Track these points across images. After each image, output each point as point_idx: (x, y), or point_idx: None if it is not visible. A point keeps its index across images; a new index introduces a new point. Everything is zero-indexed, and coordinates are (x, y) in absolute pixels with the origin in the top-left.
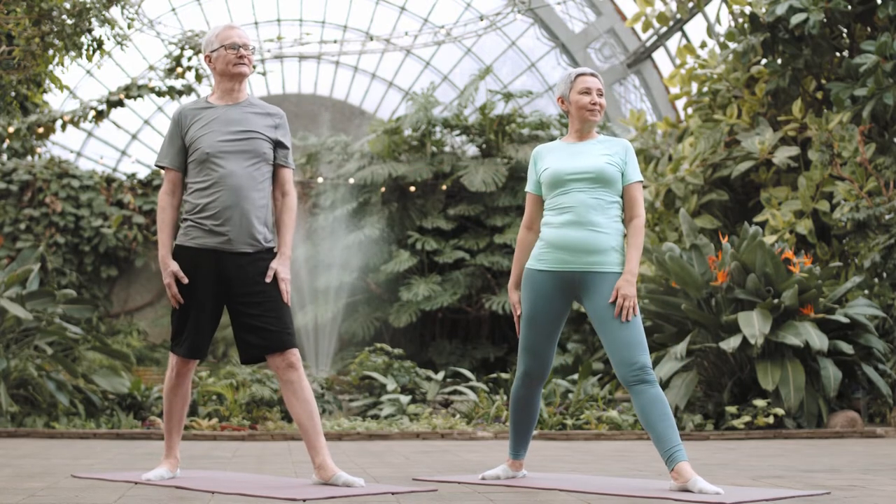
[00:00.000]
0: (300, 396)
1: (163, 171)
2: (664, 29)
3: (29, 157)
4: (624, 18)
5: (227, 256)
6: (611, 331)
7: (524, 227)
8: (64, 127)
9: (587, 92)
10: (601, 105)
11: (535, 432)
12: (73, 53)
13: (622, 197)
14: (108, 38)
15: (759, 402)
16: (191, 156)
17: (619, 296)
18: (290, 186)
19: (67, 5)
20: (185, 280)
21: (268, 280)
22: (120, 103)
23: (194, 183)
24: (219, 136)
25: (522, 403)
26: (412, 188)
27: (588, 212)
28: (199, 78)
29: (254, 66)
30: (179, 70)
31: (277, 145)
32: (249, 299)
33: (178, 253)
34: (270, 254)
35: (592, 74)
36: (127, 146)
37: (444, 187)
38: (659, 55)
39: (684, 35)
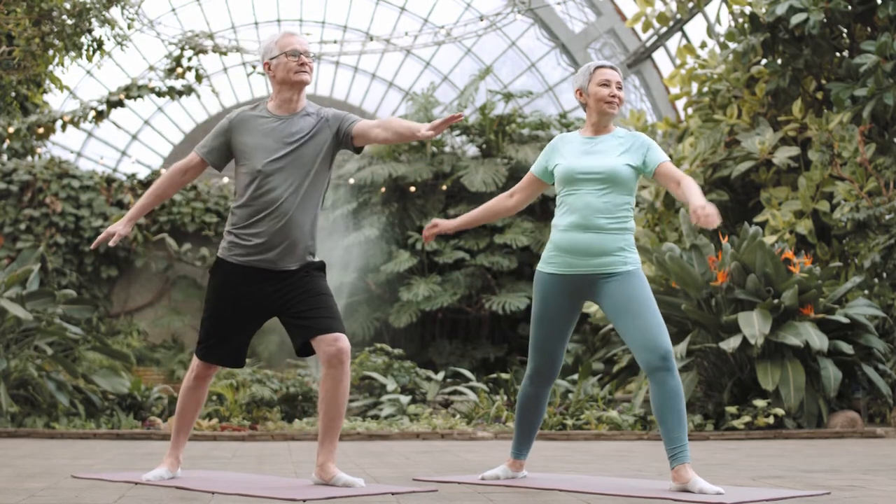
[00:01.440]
0: (334, 395)
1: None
2: (664, 29)
3: (29, 158)
4: (624, 18)
5: (270, 274)
6: (632, 317)
7: (506, 193)
8: (64, 127)
9: (606, 84)
10: (620, 98)
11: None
12: (73, 54)
13: (635, 188)
14: (108, 39)
15: (759, 403)
16: (241, 168)
17: (698, 210)
18: (378, 120)
19: (67, 5)
20: (113, 244)
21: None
22: (120, 103)
23: (243, 196)
24: (272, 153)
25: (530, 402)
26: (412, 188)
27: (594, 215)
28: (199, 78)
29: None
30: (179, 70)
31: (340, 126)
32: (294, 301)
33: (219, 264)
34: (313, 266)
35: (612, 67)
36: (127, 146)
37: (444, 187)
38: (659, 55)
39: (684, 35)
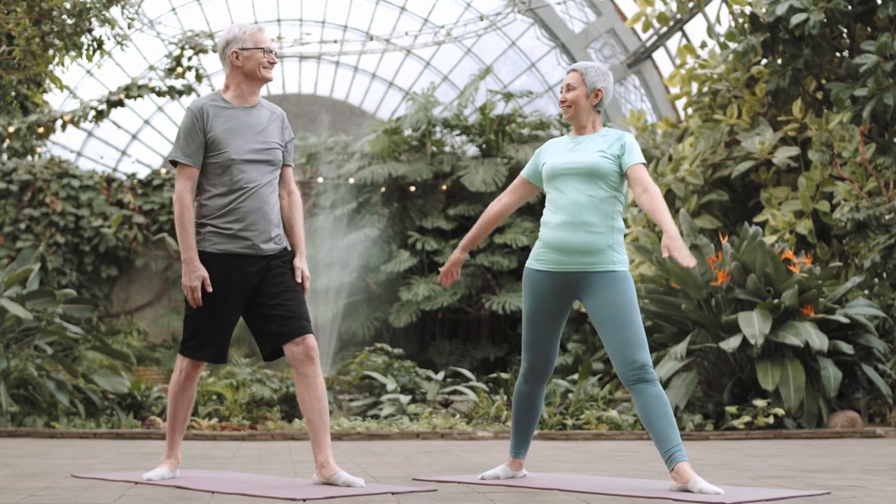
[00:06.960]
0: (313, 392)
1: (176, 167)
2: (664, 29)
3: (29, 157)
4: (624, 18)
5: (251, 260)
6: (611, 330)
7: (497, 199)
8: (64, 127)
9: (562, 90)
10: (569, 100)
11: (535, 432)
12: (73, 53)
13: (623, 184)
14: (108, 38)
15: (759, 403)
16: (212, 157)
17: (670, 251)
18: (294, 185)
19: (67, 5)
20: (210, 288)
21: (298, 280)
22: (120, 103)
23: (215, 187)
24: (245, 143)
25: (525, 401)
26: (412, 188)
27: (582, 212)
28: (199, 78)
29: None
30: (179, 70)
31: (287, 144)
32: (269, 291)
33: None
34: (286, 252)
35: (572, 70)
36: (127, 146)
37: (444, 187)
38: (659, 55)
39: (684, 35)
